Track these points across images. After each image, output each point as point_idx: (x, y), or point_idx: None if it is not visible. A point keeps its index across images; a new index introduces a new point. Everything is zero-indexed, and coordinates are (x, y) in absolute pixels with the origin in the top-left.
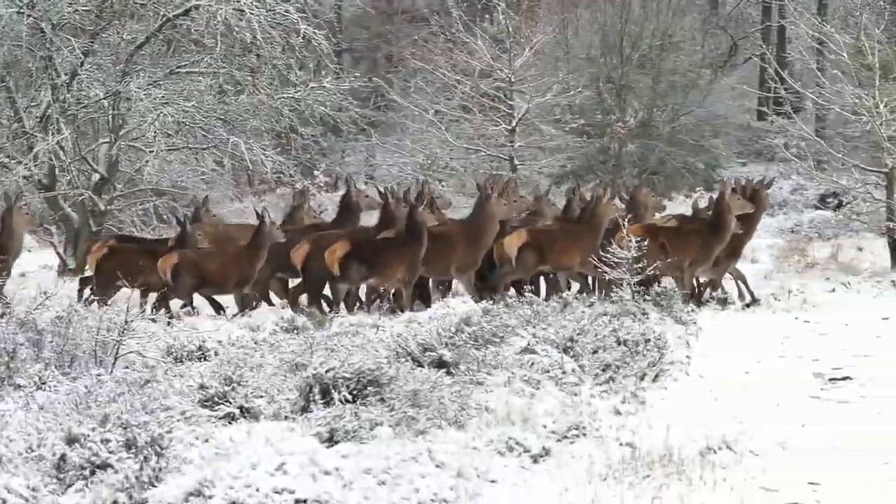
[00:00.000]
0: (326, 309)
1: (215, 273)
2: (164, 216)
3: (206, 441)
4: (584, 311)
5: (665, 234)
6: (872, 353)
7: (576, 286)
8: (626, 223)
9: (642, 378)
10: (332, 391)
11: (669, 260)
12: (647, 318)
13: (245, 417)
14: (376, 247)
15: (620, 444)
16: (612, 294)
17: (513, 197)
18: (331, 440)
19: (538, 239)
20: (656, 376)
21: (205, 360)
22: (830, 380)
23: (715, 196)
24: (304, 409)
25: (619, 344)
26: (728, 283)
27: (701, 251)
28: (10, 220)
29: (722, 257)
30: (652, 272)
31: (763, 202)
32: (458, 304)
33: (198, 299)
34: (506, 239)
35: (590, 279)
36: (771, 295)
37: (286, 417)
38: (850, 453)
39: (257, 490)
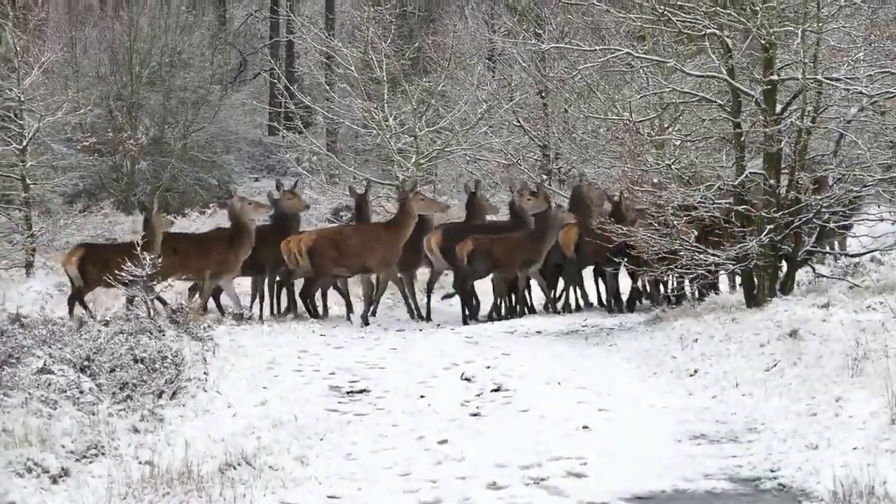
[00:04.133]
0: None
1: None
2: None
3: None
4: (100, 330)
5: None
6: (387, 365)
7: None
8: None
9: (160, 396)
10: None
11: None
12: (164, 335)
13: None
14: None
15: (140, 463)
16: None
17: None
18: None
19: None
20: (174, 393)
21: None
22: (347, 393)
23: None
24: None
25: (136, 362)
26: None
27: None
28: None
29: None
30: None
31: None
32: None
33: None
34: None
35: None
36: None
37: None
38: (369, 466)
39: None
